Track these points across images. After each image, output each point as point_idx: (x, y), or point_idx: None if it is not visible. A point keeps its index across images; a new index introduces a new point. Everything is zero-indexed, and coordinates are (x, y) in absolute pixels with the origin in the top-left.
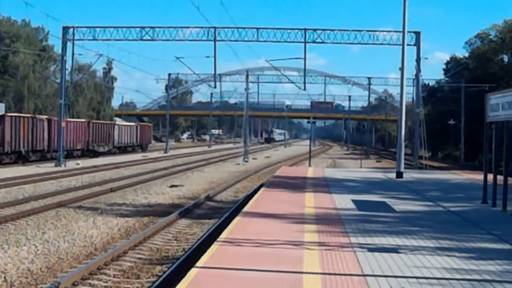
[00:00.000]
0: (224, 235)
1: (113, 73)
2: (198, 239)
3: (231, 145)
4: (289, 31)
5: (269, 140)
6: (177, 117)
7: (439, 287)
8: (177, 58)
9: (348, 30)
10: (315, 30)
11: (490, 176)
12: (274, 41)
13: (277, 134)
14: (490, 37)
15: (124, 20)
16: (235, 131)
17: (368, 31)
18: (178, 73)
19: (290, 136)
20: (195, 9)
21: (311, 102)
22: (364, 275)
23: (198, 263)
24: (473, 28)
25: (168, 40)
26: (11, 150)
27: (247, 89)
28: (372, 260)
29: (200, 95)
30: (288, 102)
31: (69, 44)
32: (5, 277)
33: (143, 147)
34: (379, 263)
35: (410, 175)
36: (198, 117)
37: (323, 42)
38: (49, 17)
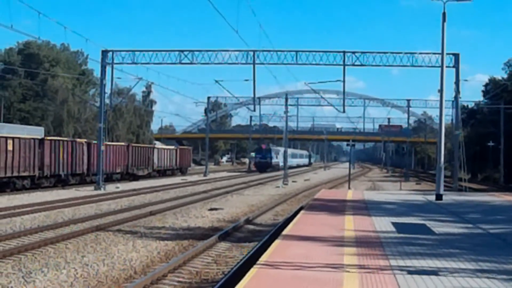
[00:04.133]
0: (263, 258)
1: (152, 96)
2: (238, 262)
3: (270, 168)
4: (328, 53)
5: (264, 166)
6: (216, 141)
7: None
8: (216, 81)
9: (387, 53)
10: (354, 52)
11: None
12: (313, 64)
13: (281, 155)
14: None
15: (163, 43)
16: None
17: (407, 53)
18: (217, 97)
19: (329, 159)
20: (234, 32)
21: (379, 125)
22: None
23: (238, 286)
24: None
25: (207, 63)
26: (51, 174)
27: (286, 112)
28: (412, 282)
29: (239, 118)
30: (338, 125)
31: (108, 68)
32: None
33: (182, 170)
34: (418, 286)
35: (449, 197)
36: (237, 140)
37: (362, 65)
38: (88, 41)
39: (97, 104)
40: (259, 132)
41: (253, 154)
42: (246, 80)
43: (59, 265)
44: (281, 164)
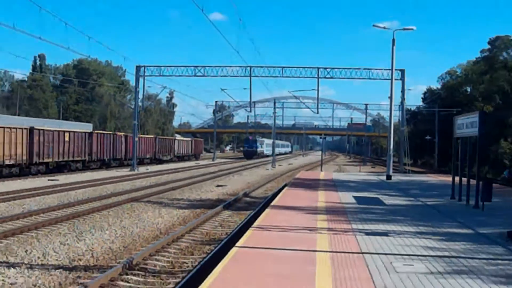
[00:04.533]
0: (257, 222)
1: (174, 100)
2: (237, 226)
3: (255, 156)
4: (306, 69)
5: (251, 154)
6: (222, 134)
7: (418, 262)
8: (222, 89)
9: (350, 68)
10: (325, 68)
11: (457, 178)
12: (295, 77)
13: (266, 145)
14: (457, 73)
15: (181, 60)
16: None
17: (365, 69)
18: (222, 101)
19: (306, 149)
20: (236, 52)
21: (348, 123)
22: (362, 253)
23: (238, 243)
24: (444, 66)
25: (215, 76)
26: (97, 159)
27: (274, 113)
28: (368, 241)
29: (239, 117)
30: (316, 123)
31: (141, 79)
32: (92, 254)
33: (196, 156)
34: (373, 243)
35: (396, 177)
36: (237, 134)
37: (332, 77)
38: (126, 59)
39: (132, 106)
40: (254, 128)
41: None
42: (245, 88)
43: (103, 227)
44: (265, 152)
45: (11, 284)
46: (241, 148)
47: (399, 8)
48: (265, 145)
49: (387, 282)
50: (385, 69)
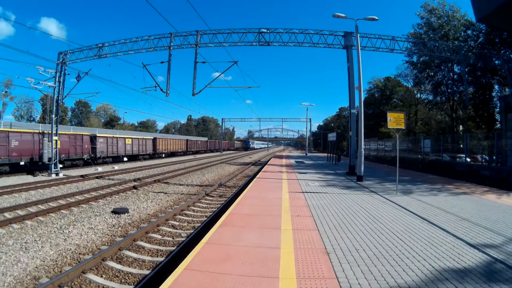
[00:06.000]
0: (263, 169)
1: (234, 129)
2: (257, 170)
3: (249, 149)
4: (278, 119)
5: (247, 148)
6: (251, 140)
7: (316, 182)
8: (250, 126)
9: (295, 118)
10: (286, 118)
11: (329, 154)
12: (276, 121)
13: (256, 143)
14: (328, 119)
15: (236, 114)
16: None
17: (298, 117)
18: (250, 130)
19: (278, 145)
20: (255, 114)
21: (298, 137)
22: (298, 179)
23: (257, 176)
24: (324, 116)
25: (248, 121)
26: (210, 149)
27: (268, 134)
28: (300, 175)
29: (257, 134)
30: (282, 136)
31: (223, 123)
32: (208, 180)
33: (239, 149)
34: (301, 176)
35: (308, 154)
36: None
37: (287, 121)
38: (215, 113)
39: (220, 132)
40: (260, 138)
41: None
42: (260, 129)
43: (212, 172)
44: (255, 147)
45: (180, 190)
46: (243, 145)
47: (309, 98)
48: (255, 144)
49: (306, 188)
50: (304, 118)
